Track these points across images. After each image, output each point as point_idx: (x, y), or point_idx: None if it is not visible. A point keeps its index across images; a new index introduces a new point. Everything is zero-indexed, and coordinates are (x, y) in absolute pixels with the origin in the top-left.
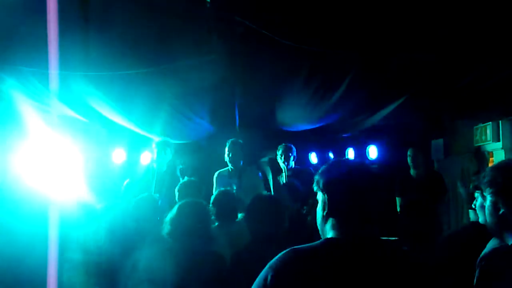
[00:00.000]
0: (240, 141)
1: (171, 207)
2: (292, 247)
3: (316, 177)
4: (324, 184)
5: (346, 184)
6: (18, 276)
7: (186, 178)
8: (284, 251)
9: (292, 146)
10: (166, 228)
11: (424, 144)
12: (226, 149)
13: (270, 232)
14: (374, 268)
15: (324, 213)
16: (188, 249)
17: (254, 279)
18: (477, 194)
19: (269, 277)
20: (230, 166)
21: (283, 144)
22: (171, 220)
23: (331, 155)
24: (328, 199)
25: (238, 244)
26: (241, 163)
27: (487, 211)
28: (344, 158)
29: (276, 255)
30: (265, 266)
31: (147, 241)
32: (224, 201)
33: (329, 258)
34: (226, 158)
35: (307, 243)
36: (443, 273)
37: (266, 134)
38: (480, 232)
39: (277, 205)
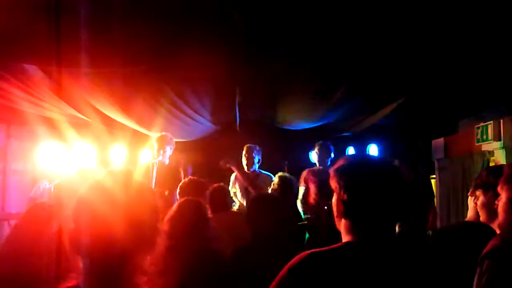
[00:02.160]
0: (256, 147)
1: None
2: (311, 250)
3: (334, 174)
4: (344, 184)
5: (370, 186)
6: None
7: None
8: (303, 253)
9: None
10: (165, 227)
11: (425, 143)
12: (243, 153)
13: (271, 231)
14: (396, 273)
15: (342, 213)
16: (188, 249)
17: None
18: (478, 193)
19: (291, 280)
20: (246, 169)
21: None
22: (171, 219)
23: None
24: (348, 200)
25: (231, 230)
26: (255, 167)
27: (501, 209)
28: (364, 154)
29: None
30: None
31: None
32: (217, 193)
33: (351, 262)
34: (243, 161)
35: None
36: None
37: (267, 133)
38: (473, 231)
39: (276, 204)
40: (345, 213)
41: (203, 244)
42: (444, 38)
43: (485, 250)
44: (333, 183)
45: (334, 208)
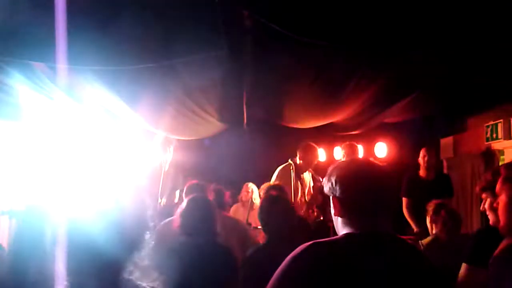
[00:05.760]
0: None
1: (171, 207)
2: (314, 241)
3: (328, 178)
4: (337, 185)
5: (361, 185)
6: None
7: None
8: (306, 243)
9: None
10: (176, 223)
11: (434, 142)
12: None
13: (281, 230)
14: (395, 262)
15: (338, 213)
16: (197, 243)
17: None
18: (485, 196)
19: (292, 268)
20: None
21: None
22: (182, 214)
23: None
24: (342, 200)
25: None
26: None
27: (502, 210)
28: (356, 158)
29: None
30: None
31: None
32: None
33: (351, 250)
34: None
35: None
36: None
37: (274, 131)
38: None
39: (283, 204)
40: (342, 212)
41: (212, 238)
42: (454, 34)
43: (496, 252)
44: (329, 185)
45: (331, 208)
